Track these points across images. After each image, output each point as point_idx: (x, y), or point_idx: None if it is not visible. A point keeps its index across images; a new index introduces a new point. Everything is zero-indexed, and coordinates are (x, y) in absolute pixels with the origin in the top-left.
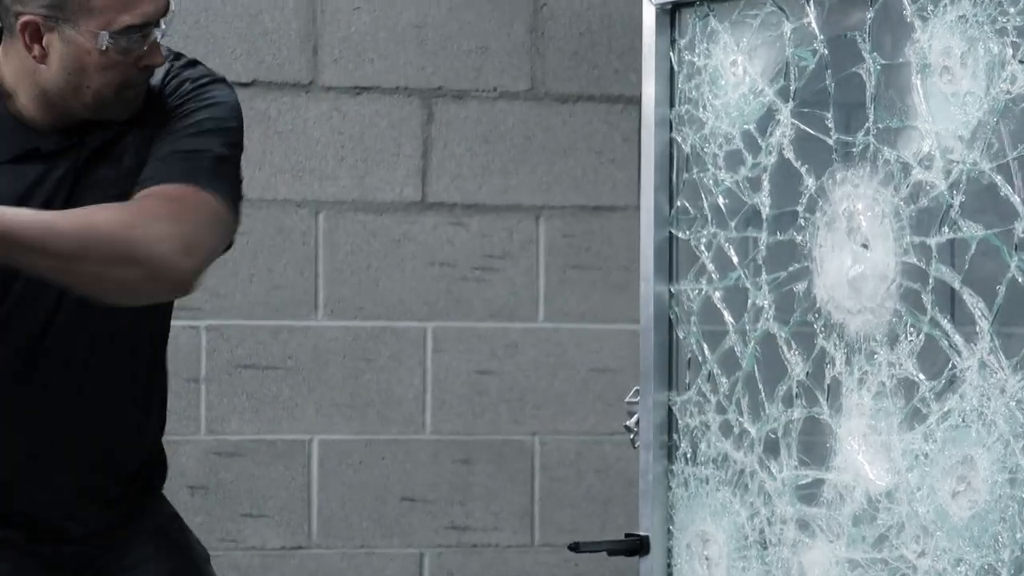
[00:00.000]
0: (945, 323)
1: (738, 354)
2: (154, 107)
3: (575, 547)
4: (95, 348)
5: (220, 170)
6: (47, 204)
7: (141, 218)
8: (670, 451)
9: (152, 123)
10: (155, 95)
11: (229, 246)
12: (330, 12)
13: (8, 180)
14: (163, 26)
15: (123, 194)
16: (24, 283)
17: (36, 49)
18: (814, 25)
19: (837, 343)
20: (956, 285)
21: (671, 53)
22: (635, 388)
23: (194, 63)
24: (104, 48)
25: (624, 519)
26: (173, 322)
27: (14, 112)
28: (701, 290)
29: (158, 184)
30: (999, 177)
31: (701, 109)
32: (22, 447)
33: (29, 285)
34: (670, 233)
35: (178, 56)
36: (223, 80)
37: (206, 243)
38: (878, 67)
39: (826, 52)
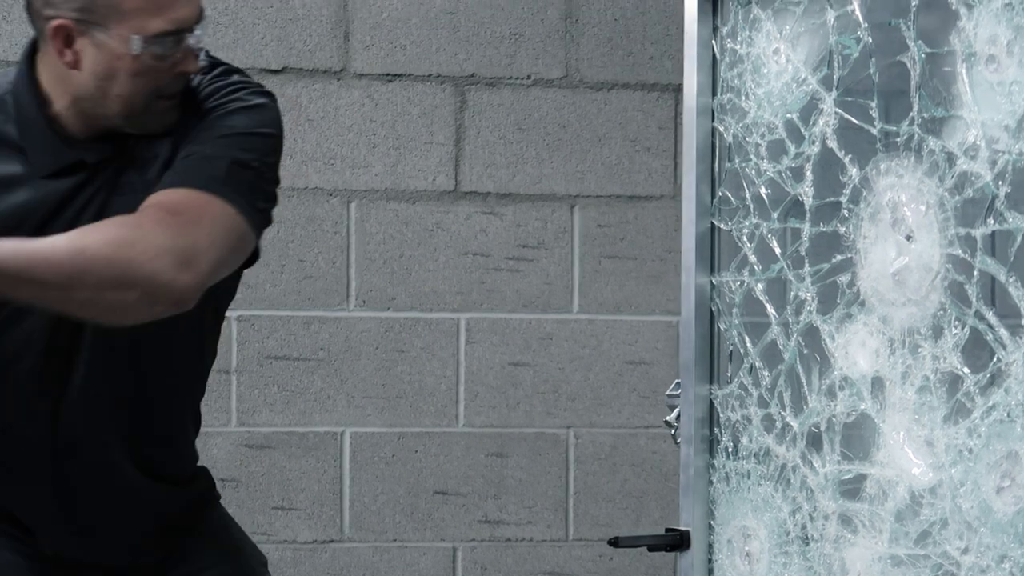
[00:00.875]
0: (990, 316)
1: (780, 347)
2: (186, 115)
3: (615, 542)
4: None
5: (235, 175)
6: (78, 216)
7: (134, 234)
8: (711, 445)
9: (181, 130)
10: (189, 104)
11: (253, 259)
12: None
13: (42, 192)
14: (197, 32)
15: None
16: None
17: (68, 55)
18: (858, 13)
19: (880, 337)
20: (1001, 277)
21: (713, 41)
22: (676, 381)
23: (233, 70)
24: (136, 53)
25: (659, 513)
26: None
27: (52, 121)
28: (743, 282)
29: (165, 190)
30: None
31: (743, 98)
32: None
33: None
34: (712, 224)
35: (216, 63)
36: (262, 89)
37: (208, 255)
38: (923, 55)
39: (870, 40)
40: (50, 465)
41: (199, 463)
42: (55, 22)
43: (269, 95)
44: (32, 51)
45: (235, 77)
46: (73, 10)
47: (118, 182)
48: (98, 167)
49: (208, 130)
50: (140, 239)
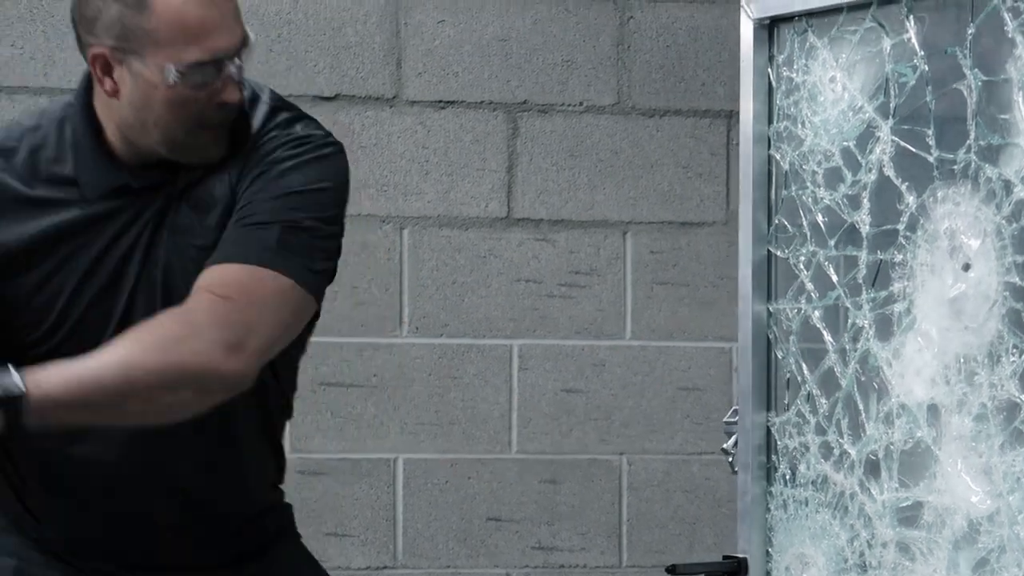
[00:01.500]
0: None
1: (838, 374)
2: (248, 158)
3: (672, 569)
4: None
5: (288, 240)
6: (132, 248)
7: (182, 331)
8: (768, 472)
9: (238, 174)
10: (253, 143)
11: (315, 319)
12: (413, 25)
13: (103, 219)
14: (239, 61)
15: (206, 247)
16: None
17: (107, 83)
18: (914, 41)
19: (937, 364)
20: None
21: (769, 69)
22: (733, 408)
23: (297, 118)
24: (171, 83)
25: (713, 540)
26: None
27: (107, 147)
28: (800, 309)
29: (216, 265)
30: None
31: (800, 126)
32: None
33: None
34: (768, 251)
35: (286, 106)
36: (326, 138)
37: (260, 336)
38: (979, 83)
39: (926, 68)
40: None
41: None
42: (94, 50)
43: (333, 144)
44: (88, 79)
45: (298, 128)
46: (111, 38)
47: (176, 223)
48: (145, 196)
49: (263, 191)
50: (188, 335)
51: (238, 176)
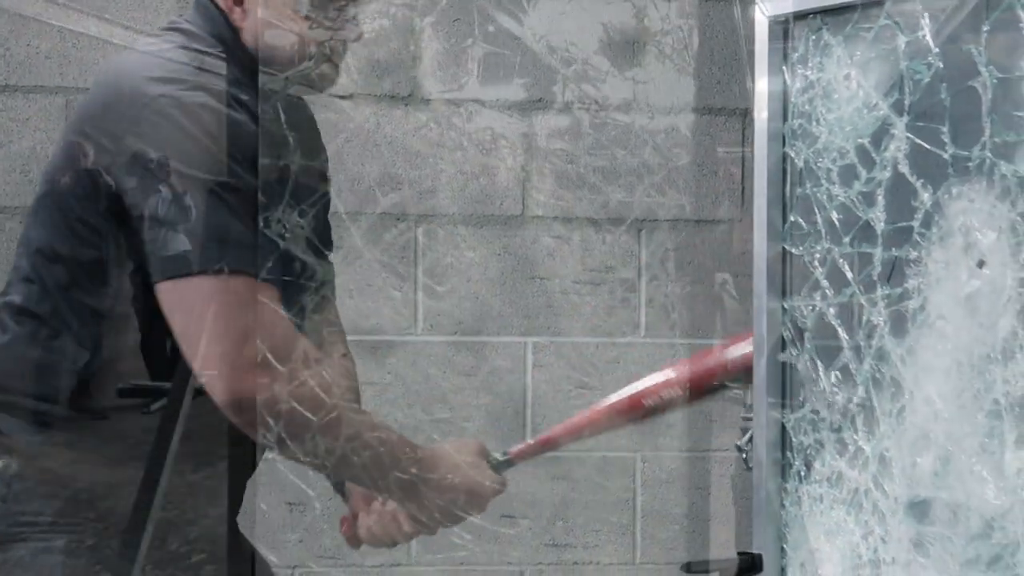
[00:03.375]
0: None
1: (853, 371)
2: None
3: (687, 567)
4: None
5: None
6: None
7: None
8: (783, 469)
9: None
10: None
11: None
12: (429, 24)
13: None
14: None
15: None
16: None
17: (236, 12)
18: (929, 38)
19: (951, 361)
20: None
21: (784, 67)
22: (748, 404)
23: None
24: (302, 15)
25: (727, 536)
26: None
27: None
28: (815, 306)
29: None
30: None
31: (814, 123)
32: None
33: None
34: (783, 249)
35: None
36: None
37: None
38: (994, 80)
39: (941, 65)
40: None
41: None
42: None
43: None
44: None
45: None
46: None
47: None
48: None
49: None
50: None
51: None
